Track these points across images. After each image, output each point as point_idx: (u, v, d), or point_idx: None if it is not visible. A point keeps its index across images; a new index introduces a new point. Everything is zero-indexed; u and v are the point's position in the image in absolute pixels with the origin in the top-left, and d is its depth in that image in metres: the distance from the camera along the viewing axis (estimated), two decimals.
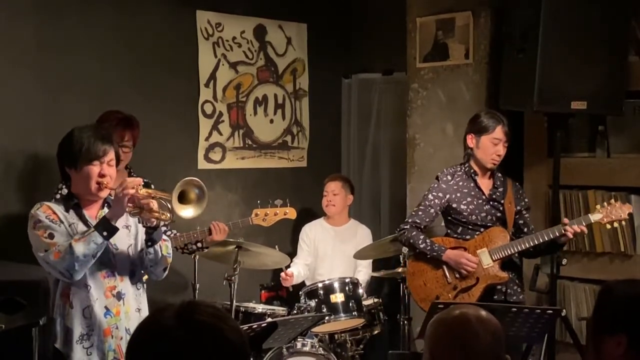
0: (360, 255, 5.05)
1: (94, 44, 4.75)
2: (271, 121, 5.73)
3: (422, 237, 4.17)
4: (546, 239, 4.02)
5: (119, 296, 3.24)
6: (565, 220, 4.02)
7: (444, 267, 4.14)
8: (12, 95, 4.44)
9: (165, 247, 3.32)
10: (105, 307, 3.20)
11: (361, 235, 5.36)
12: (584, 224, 3.99)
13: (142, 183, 3.20)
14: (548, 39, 4.16)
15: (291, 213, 4.51)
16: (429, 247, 4.14)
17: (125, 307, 3.25)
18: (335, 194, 5.31)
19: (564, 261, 4.23)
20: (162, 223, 3.23)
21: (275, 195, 4.64)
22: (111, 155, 3.21)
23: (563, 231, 3.98)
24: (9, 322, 3.48)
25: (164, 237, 3.34)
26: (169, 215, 3.16)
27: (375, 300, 4.82)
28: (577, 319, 4.58)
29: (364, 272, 5.18)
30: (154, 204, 3.11)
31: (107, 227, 3.10)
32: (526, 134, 4.88)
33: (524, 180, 4.87)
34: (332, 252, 5.31)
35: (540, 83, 4.16)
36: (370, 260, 5.21)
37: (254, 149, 5.63)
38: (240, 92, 5.54)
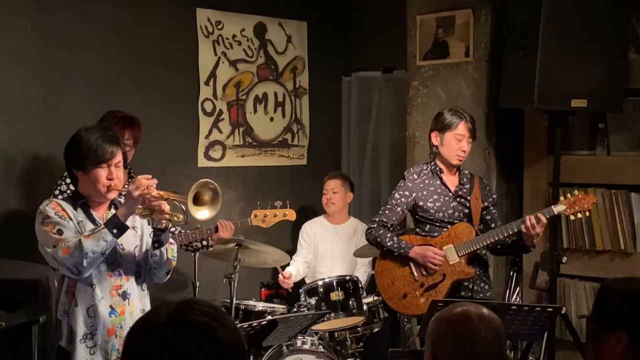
0: (360, 253, 5.05)
1: (94, 42, 4.76)
2: (271, 119, 5.73)
3: (389, 235, 4.17)
4: (510, 232, 4.00)
5: (124, 296, 3.22)
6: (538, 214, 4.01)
7: (411, 265, 4.15)
8: (12, 94, 4.44)
9: (171, 250, 3.29)
10: (110, 307, 3.18)
11: (361, 233, 5.35)
12: (547, 216, 3.98)
13: (156, 184, 3.17)
14: (548, 37, 4.15)
15: (291, 215, 4.49)
16: (395, 245, 4.15)
17: (130, 307, 3.23)
18: (334, 191, 5.31)
19: (564, 259, 4.24)
20: (170, 225, 3.20)
21: (275, 193, 4.64)
22: (119, 157, 3.18)
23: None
24: (9, 320, 3.48)
25: (170, 240, 3.32)
26: (182, 217, 3.14)
27: (375, 297, 4.82)
28: (577, 316, 4.58)
29: (363, 269, 5.18)
30: (165, 206, 3.10)
31: (117, 225, 3.07)
32: (526, 131, 4.88)
33: (524, 178, 4.88)
34: (332, 250, 5.31)
35: (540, 81, 4.16)
36: (371, 259, 5.21)
37: (254, 147, 5.63)
38: (240, 90, 5.54)
